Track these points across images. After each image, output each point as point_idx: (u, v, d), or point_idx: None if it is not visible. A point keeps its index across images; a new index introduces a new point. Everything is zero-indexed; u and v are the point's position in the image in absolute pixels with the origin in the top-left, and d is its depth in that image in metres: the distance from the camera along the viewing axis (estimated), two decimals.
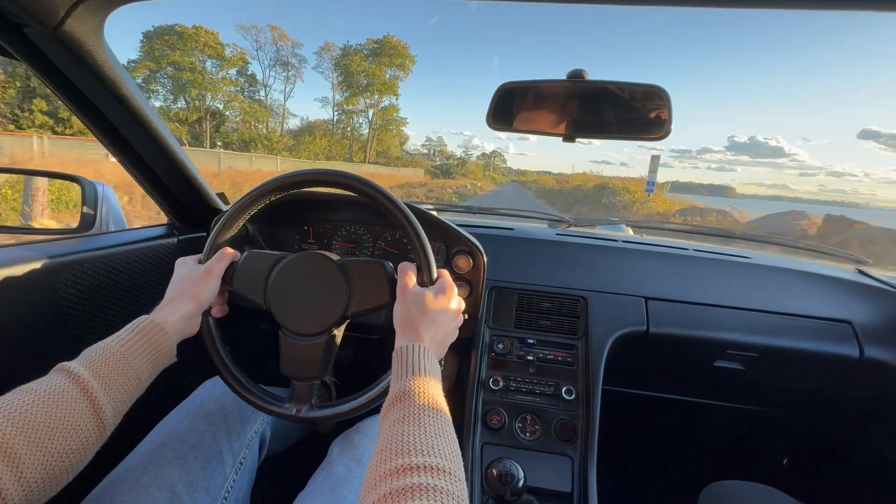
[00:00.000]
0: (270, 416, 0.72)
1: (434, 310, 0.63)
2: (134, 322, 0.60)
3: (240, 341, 0.96)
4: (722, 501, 0.85)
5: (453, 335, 0.66)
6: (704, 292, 1.11)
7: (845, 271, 1.25)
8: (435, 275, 0.68)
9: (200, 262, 0.72)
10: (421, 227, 0.68)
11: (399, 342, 0.59)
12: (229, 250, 0.72)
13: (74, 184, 1.01)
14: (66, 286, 0.79)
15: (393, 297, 0.67)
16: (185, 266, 0.71)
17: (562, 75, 0.76)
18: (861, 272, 1.26)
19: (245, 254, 0.74)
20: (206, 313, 0.71)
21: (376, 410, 0.69)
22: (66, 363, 0.52)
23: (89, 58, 0.66)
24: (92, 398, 0.50)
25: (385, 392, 0.66)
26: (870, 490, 1.17)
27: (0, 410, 0.43)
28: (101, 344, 0.56)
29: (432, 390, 0.51)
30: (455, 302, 0.67)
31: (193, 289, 0.67)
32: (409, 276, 0.66)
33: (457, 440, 0.47)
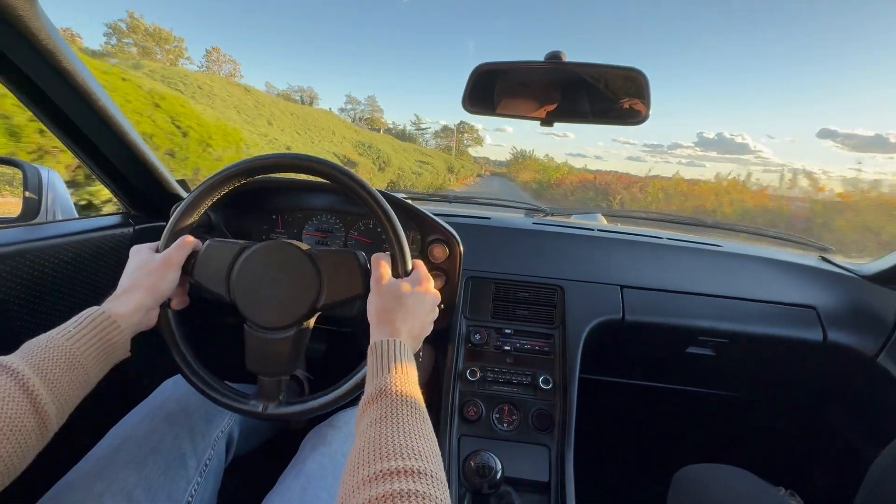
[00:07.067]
0: (237, 414, 0.68)
1: (411, 302, 0.60)
2: (82, 314, 0.55)
3: (203, 336, 0.90)
4: (693, 484, 0.87)
5: (429, 328, 0.65)
6: (678, 280, 1.12)
7: (809, 258, 1.30)
8: (410, 265, 0.66)
9: (157, 250, 0.66)
10: (395, 216, 0.65)
11: (375, 336, 0.57)
12: (190, 238, 0.67)
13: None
14: (7, 280, 0.72)
15: (367, 289, 0.64)
16: (140, 254, 0.66)
17: (539, 59, 0.74)
18: (824, 259, 1.30)
19: (207, 242, 0.69)
20: (166, 305, 0.66)
21: (350, 404, 0.67)
22: (1, 357, 0.47)
23: (21, 24, 0.59)
24: (32, 396, 0.45)
25: (358, 386, 0.64)
26: (831, 468, 1.23)
27: None
28: (43, 337, 0.51)
29: (411, 388, 0.49)
30: (432, 294, 0.65)
31: (150, 279, 0.62)
32: (383, 267, 0.63)
33: (436, 440, 0.45)
